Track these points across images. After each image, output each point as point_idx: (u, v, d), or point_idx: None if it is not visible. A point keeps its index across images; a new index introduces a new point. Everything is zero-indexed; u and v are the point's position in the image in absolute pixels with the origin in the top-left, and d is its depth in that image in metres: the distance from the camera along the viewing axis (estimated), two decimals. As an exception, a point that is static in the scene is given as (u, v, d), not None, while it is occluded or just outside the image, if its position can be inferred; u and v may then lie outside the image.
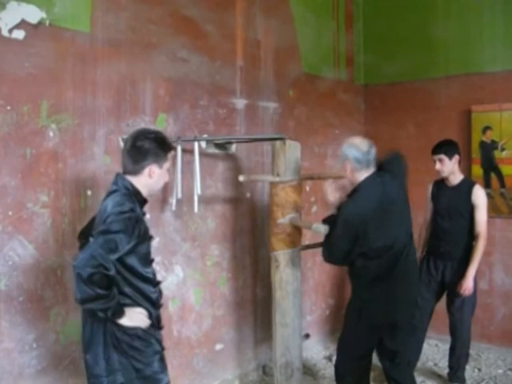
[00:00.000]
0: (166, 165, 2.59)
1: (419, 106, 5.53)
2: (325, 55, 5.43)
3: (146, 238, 2.60)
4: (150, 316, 2.61)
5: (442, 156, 4.16)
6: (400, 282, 3.20)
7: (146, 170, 2.52)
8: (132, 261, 2.52)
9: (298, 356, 3.72)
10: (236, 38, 4.35)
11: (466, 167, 5.09)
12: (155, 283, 2.70)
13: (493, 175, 5.14)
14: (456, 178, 4.26)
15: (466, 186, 4.24)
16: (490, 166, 5.15)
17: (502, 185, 5.07)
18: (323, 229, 3.22)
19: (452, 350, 4.40)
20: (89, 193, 3.37)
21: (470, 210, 4.17)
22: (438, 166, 4.19)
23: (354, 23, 5.81)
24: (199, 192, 3.54)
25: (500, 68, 5.11)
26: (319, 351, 5.12)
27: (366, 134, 5.87)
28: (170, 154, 2.63)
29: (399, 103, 5.66)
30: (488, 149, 5.15)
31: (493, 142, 5.12)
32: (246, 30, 4.44)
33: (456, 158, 4.21)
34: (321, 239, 3.40)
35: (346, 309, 3.50)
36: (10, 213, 3.01)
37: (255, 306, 4.58)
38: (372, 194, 3.14)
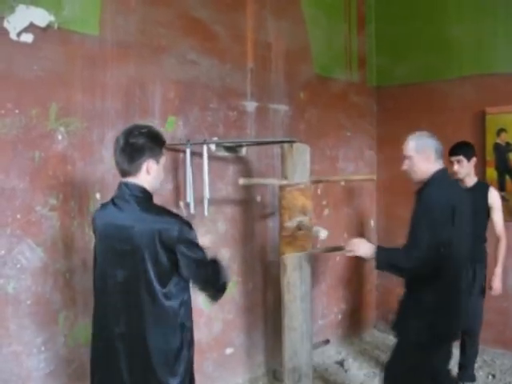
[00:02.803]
0: (163, 160, 2.44)
1: (432, 107, 5.45)
2: (337, 57, 5.39)
3: None
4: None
5: (461, 157, 4.14)
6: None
7: (144, 167, 2.35)
8: None
9: (307, 361, 3.68)
10: (246, 40, 4.33)
11: (480, 170, 5.02)
12: None
13: (507, 178, 5.06)
14: (471, 179, 4.23)
15: (482, 187, 4.23)
16: (505, 169, 5.07)
17: (517, 188, 5.00)
18: (322, 233, 3.19)
19: (463, 348, 4.36)
20: (97, 196, 3.36)
21: (486, 211, 4.16)
22: (456, 167, 4.15)
23: (366, 24, 5.76)
24: (208, 196, 3.52)
25: (515, 69, 5.03)
26: (331, 356, 5.07)
27: (379, 136, 5.85)
28: (165, 149, 2.48)
29: (412, 105, 5.59)
30: (502, 151, 5.07)
31: (507, 144, 5.04)
32: (257, 32, 4.41)
33: (474, 160, 4.20)
34: (333, 244, 3.33)
35: (402, 342, 3.15)
36: (19, 216, 3.01)
37: (266, 310, 4.55)
38: (451, 184, 3.18)
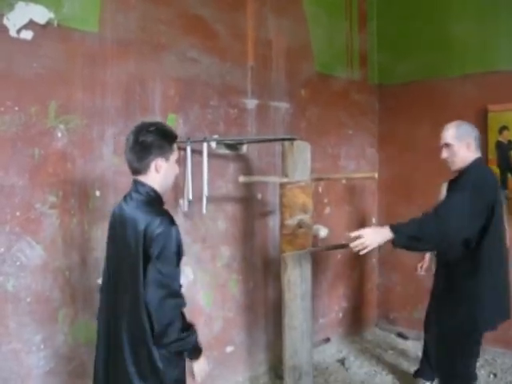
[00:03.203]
0: (173, 157, 2.41)
1: (434, 105, 5.43)
2: (338, 55, 5.37)
3: None
4: None
5: None
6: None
7: (152, 166, 2.35)
8: None
9: (307, 360, 3.67)
10: (247, 38, 4.32)
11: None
12: None
13: (509, 176, 5.04)
14: None
15: None
16: (507, 167, 5.05)
17: (519, 186, 4.98)
18: (323, 232, 3.18)
19: None
20: (97, 193, 3.35)
21: None
22: None
23: (368, 22, 5.74)
24: (206, 193, 3.51)
25: (517, 66, 5.01)
26: (332, 354, 5.06)
27: (381, 134, 5.83)
28: (176, 145, 2.46)
29: (414, 103, 5.58)
30: (504, 149, 5.05)
31: (509, 142, 5.02)
32: (257, 30, 4.40)
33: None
34: (334, 242, 3.32)
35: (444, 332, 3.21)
36: (18, 213, 3.01)
37: (266, 309, 4.54)
38: (491, 173, 3.17)
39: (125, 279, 2.34)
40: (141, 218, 2.29)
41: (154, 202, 2.38)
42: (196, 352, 2.39)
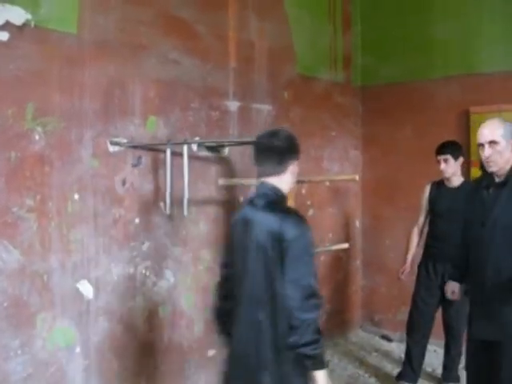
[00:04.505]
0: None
1: (417, 107, 5.45)
2: (321, 57, 5.37)
3: None
4: None
5: (448, 156, 4.13)
6: None
7: (290, 168, 2.45)
8: None
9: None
10: (229, 40, 4.30)
11: (464, 169, 5.01)
12: None
13: (492, 178, 5.05)
14: (457, 179, 4.24)
15: (468, 187, 4.19)
16: (489, 169, 5.06)
17: (501, 188, 4.99)
18: None
19: (447, 349, 4.35)
20: (76, 196, 3.32)
21: None
22: (443, 165, 4.14)
23: (352, 24, 5.74)
24: (187, 196, 3.48)
25: (499, 68, 5.03)
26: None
27: (364, 136, 5.84)
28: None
29: (397, 105, 5.59)
30: (487, 151, 5.07)
31: (492, 143, 5.04)
32: (239, 32, 4.38)
33: (461, 159, 4.20)
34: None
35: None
36: (-6, 217, 2.97)
37: (249, 311, 4.51)
38: None
39: (257, 284, 2.36)
40: (273, 219, 2.35)
41: (284, 202, 2.47)
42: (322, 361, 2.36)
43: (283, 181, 2.46)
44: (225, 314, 2.56)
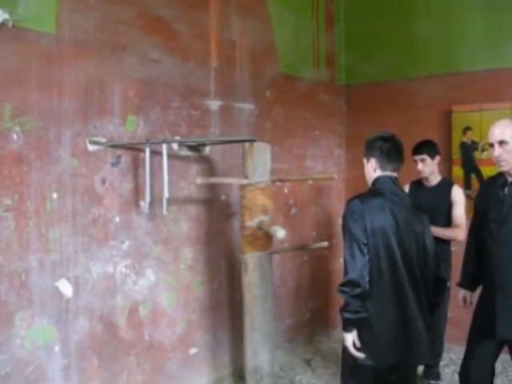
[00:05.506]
0: None
1: (400, 106, 5.50)
2: (304, 55, 5.39)
3: None
4: None
5: (425, 156, 4.17)
6: None
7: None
8: None
9: (268, 361, 3.68)
10: (210, 39, 4.31)
11: (446, 168, 5.06)
12: None
13: (473, 176, 5.11)
14: (435, 178, 4.28)
15: (446, 185, 4.27)
16: (471, 167, 5.12)
17: (483, 186, 5.03)
18: (280, 233, 3.20)
19: None
20: (54, 196, 3.32)
21: (449, 208, 4.18)
22: (420, 166, 4.19)
23: (335, 23, 5.77)
24: (167, 195, 3.49)
25: (480, 68, 5.09)
26: (298, 355, 5.07)
27: (348, 135, 5.87)
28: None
29: (381, 103, 5.63)
30: (468, 149, 5.12)
31: (473, 142, 5.09)
32: (221, 31, 4.39)
33: (437, 158, 4.24)
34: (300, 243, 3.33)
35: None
36: (-29, 217, 2.96)
37: (231, 310, 4.53)
38: None
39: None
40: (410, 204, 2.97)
41: None
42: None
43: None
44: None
